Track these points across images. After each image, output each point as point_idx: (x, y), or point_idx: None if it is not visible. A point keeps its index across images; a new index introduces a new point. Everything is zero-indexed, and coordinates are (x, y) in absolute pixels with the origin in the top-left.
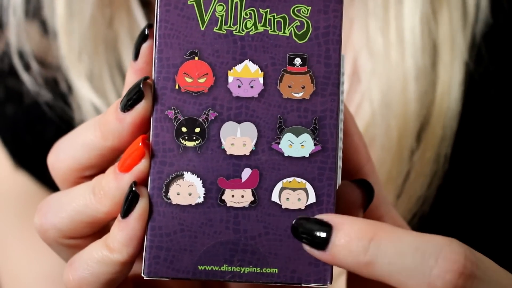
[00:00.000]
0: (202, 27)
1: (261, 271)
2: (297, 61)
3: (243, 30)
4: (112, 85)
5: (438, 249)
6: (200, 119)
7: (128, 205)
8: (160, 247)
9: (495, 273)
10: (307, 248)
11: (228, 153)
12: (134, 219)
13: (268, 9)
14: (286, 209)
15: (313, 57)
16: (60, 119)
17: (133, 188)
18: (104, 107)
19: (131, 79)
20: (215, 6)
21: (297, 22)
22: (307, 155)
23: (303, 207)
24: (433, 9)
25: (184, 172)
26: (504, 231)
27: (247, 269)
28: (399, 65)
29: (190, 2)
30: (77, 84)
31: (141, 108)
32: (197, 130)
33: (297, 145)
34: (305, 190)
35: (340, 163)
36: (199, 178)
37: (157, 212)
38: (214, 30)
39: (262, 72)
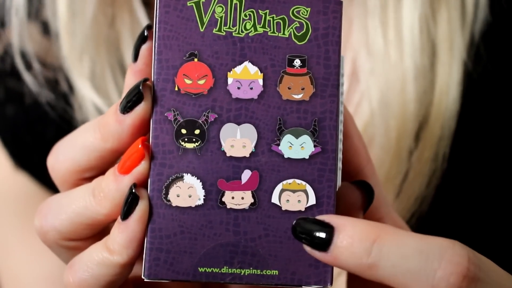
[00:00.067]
0: (202, 28)
1: (261, 273)
2: (297, 62)
3: (242, 32)
4: (114, 85)
5: (442, 251)
6: (200, 121)
7: (128, 207)
8: (160, 249)
9: (497, 275)
10: (308, 249)
11: (228, 154)
12: (134, 221)
13: (268, 11)
14: (286, 211)
15: (312, 58)
16: (61, 119)
17: (133, 190)
18: (106, 107)
19: (130, 81)
20: (215, 8)
21: (296, 24)
22: (307, 157)
23: (303, 209)
24: (432, 9)
25: (184, 174)
26: (503, 230)
27: (247, 271)
28: (398, 65)
29: (190, 3)
30: (78, 84)
31: (140, 110)
32: (197, 132)
33: (297, 146)
34: (305, 191)
35: (340, 165)
36: (199, 180)
37: (157, 214)
38: (214, 31)
39: (262, 74)
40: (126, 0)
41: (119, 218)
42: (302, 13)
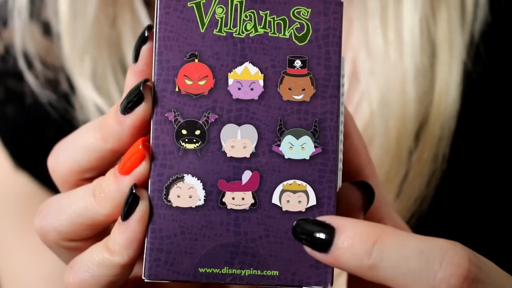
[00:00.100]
0: (202, 29)
1: (262, 273)
2: (297, 63)
3: (243, 32)
4: (116, 85)
5: (442, 253)
6: (200, 122)
7: (128, 208)
8: (161, 250)
9: (498, 277)
10: (308, 250)
11: (228, 155)
12: (135, 222)
13: (268, 11)
14: (286, 211)
15: (313, 59)
16: (63, 119)
17: (133, 191)
18: (107, 107)
19: (131, 81)
20: (215, 8)
21: (297, 24)
22: (307, 158)
23: (303, 210)
24: (432, 9)
25: (185, 175)
26: (503, 230)
27: (248, 272)
28: (398, 65)
29: (190, 4)
30: (80, 84)
31: (141, 110)
32: (197, 132)
33: (297, 147)
34: (306, 192)
35: (340, 165)
36: (199, 181)
37: (158, 215)
38: (214, 32)
39: (262, 74)
40: (127, 0)
41: (119, 219)
42: (302, 14)
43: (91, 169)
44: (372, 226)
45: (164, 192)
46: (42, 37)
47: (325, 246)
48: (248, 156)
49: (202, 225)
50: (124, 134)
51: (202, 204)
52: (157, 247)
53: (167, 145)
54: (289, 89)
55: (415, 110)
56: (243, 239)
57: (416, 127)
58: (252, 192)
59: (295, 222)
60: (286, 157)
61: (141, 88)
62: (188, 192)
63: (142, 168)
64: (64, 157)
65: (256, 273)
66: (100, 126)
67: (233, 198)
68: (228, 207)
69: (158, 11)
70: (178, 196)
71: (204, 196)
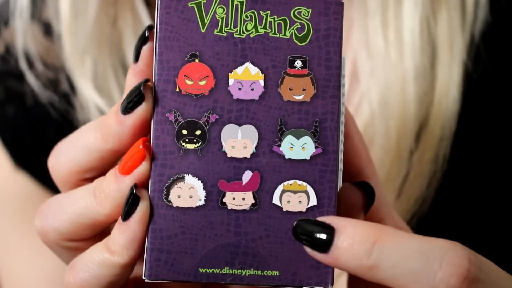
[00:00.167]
0: (203, 29)
1: (262, 273)
2: (298, 63)
3: (243, 33)
4: (116, 85)
5: (442, 253)
6: (201, 122)
7: (129, 208)
8: (161, 250)
9: (498, 277)
10: (308, 250)
11: (229, 155)
12: (135, 222)
13: (269, 12)
14: (287, 211)
15: (313, 59)
16: (63, 119)
17: (134, 191)
18: (108, 108)
19: (131, 82)
20: (216, 9)
21: (297, 25)
22: (308, 158)
23: (304, 210)
24: (432, 10)
25: (185, 175)
26: (503, 231)
27: (248, 272)
28: (398, 66)
29: (191, 4)
30: (80, 84)
31: (141, 110)
32: (198, 132)
33: (298, 147)
34: (306, 192)
35: (341, 166)
36: (200, 181)
37: (158, 215)
38: (215, 32)
39: (263, 75)
40: (128, 0)
41: (120, 219)
42: (303, 14)
43: (91, 169)
44: (372, 226)
45: (165, 192)
46: (43, 37)
47: (325, 246)
48: (248, 156)
49: (203, 225)
50: (125, 134)
51: (203, 204)
52: (157, 247)
53: (168, 145)
54: (290, 89)
55: (416, 110)
56: (244, 239)
57: (417, 127)
58: (252, 192)
59: (295, 223)
60: (286, 157)
61: (141, 88)
62: (189, 192)
63: (142, 168)
64: (65, 157)
65: (256, 273)
66: (100, 126)
67: (234, 198)
68: (229, 207)
69: (158, 11)
70: (179, 196)
71: (205, 196)
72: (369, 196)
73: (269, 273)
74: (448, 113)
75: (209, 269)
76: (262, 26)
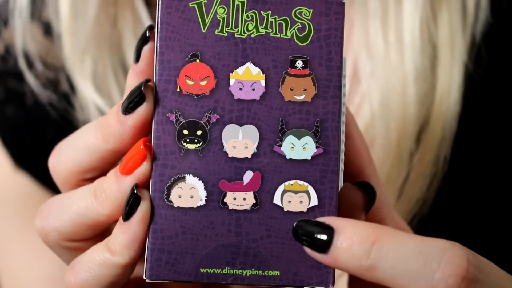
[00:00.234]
0: (204, 29)
1: (263, 273)
2: (299, 63)
3: (244, 33)
4: (116, 85)
5: (441, 253)
6: (202, 122)
7: (129, 208)
8: (162, 250)
9: (497, 277)
10: (308, 250)
11: (229, 155)
12: (136, 222)
13: (270, 12)
14: (288, 211)
15: (314, 59)
16: (63, 119)
17: (135, 191)
18: (108, 108)
19: (132, 82)
20: (217, 9)
21: (298, 25)
22: (309, 158)
23: (305, 210)
24: (432, 11)
25: (186, 175)
26: (504, 232)
27: (249, 272)
28: (398, 67)
29: (192, 4)
30: (80, 84)
31: (142, 110)
32: (199, 132)
33: (299, 147)
34: (307, 192)
35: (342, 166)
36: (200, 181)
37: (159, 215)
38: (216, 32)
39: (264, 75)
40: (128, 0)
41: (120, 219)
42: (304, 14)
43: (92, 169)
44: (371, 227)
45: (166, 192)
46: (43, 37)
47: (324, 247)
48: (249, 156)
49: (204, 225)
50: (125, 134)
51: (204, 204)
52: (158, 247)
53: (169, 145)
54: (291, 89)
55: (416, 111)
56: (245, 240)
57: (417, 128)
58: (253, 192)
59: (295, 223)
60: (287, 157)
61: (142, 88)
62: (190, 192)
63: (143, 168)
64: (65, 157)
65: (257, 273)
66: (101, 126)
67: (235, 199)
68: (230, 207)
69: (159, 11)
70: (180, 196)
71: (206, 196)
72: (370, 196)
73: (270, 273)
74: (448, 114)
75: (210, 269)
76: (263, 26)
